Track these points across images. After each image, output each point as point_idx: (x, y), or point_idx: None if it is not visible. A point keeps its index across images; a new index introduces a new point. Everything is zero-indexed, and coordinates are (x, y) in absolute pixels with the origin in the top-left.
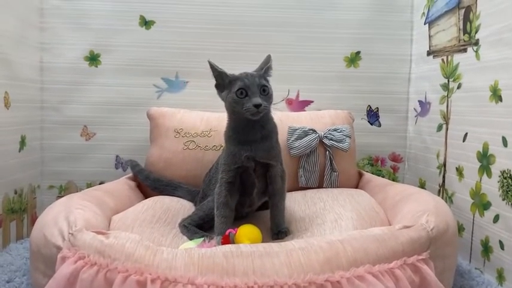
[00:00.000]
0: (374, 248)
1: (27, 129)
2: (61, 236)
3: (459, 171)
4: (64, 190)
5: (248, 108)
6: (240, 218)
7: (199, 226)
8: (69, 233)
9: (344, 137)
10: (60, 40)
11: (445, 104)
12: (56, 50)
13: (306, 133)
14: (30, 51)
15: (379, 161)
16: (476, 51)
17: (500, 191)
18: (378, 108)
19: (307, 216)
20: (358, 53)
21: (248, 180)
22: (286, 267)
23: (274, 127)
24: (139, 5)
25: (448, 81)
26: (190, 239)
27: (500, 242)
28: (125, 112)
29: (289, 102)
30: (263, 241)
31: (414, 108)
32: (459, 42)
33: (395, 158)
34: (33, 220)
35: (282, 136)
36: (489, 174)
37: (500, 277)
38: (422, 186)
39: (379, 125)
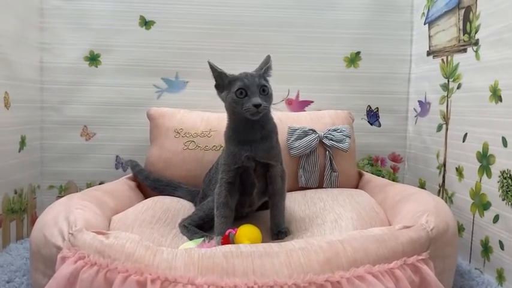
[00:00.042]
0: (374, 248)
1: (27, 130)
2: (61, 236)
3: (459, 172)
4: (64, 190)
5: (248, 108)
6: (240, 218)
7: (199, 226)
8: (69, 233)
9: (344, 137)
10: (60, 40)
11: (445, 104)
12: (56, 50)
13: (305, 133)
14: (30, 51)
15: (379, 161)
16: (476, 52)
17: (500, 191)
18: (377, 108)
19: (307, 216)
20: (358, 53)
21: (248, 180)
22: (286, 268)
23: (274, 127)
24: (139, 5)
25: (448, 81)
26: (190, 239)
27: (500, 242)
28: (125, 112)
29: (289, 102)
30: (263, 241)
31: (414, 109)
32: (459, 42)
33: (395, 158)
34: (33, 220)
35: (282, 136)
36: (489, 175)
37: (500, 277)
38: (422, 186)
39: (379, 125)
